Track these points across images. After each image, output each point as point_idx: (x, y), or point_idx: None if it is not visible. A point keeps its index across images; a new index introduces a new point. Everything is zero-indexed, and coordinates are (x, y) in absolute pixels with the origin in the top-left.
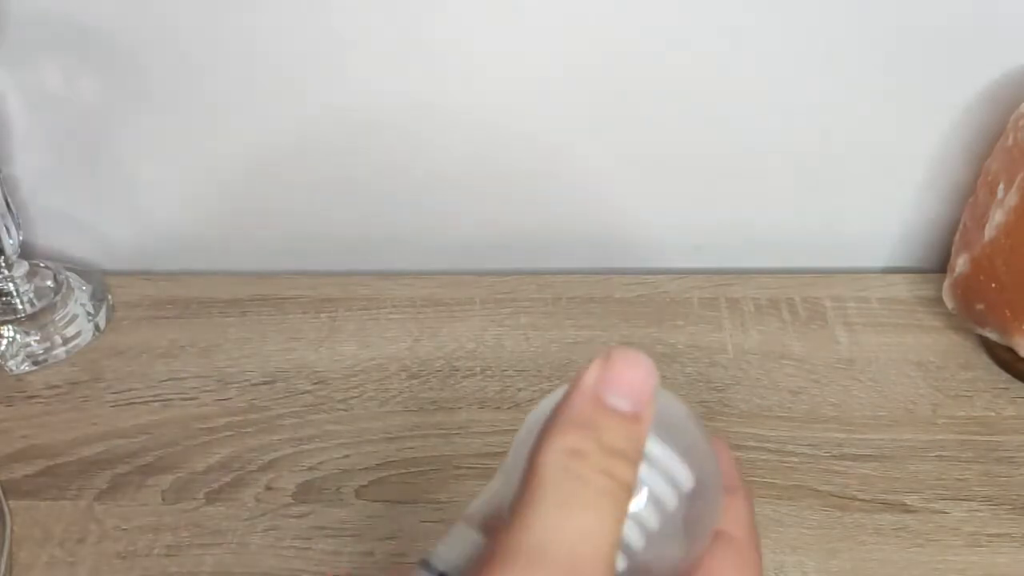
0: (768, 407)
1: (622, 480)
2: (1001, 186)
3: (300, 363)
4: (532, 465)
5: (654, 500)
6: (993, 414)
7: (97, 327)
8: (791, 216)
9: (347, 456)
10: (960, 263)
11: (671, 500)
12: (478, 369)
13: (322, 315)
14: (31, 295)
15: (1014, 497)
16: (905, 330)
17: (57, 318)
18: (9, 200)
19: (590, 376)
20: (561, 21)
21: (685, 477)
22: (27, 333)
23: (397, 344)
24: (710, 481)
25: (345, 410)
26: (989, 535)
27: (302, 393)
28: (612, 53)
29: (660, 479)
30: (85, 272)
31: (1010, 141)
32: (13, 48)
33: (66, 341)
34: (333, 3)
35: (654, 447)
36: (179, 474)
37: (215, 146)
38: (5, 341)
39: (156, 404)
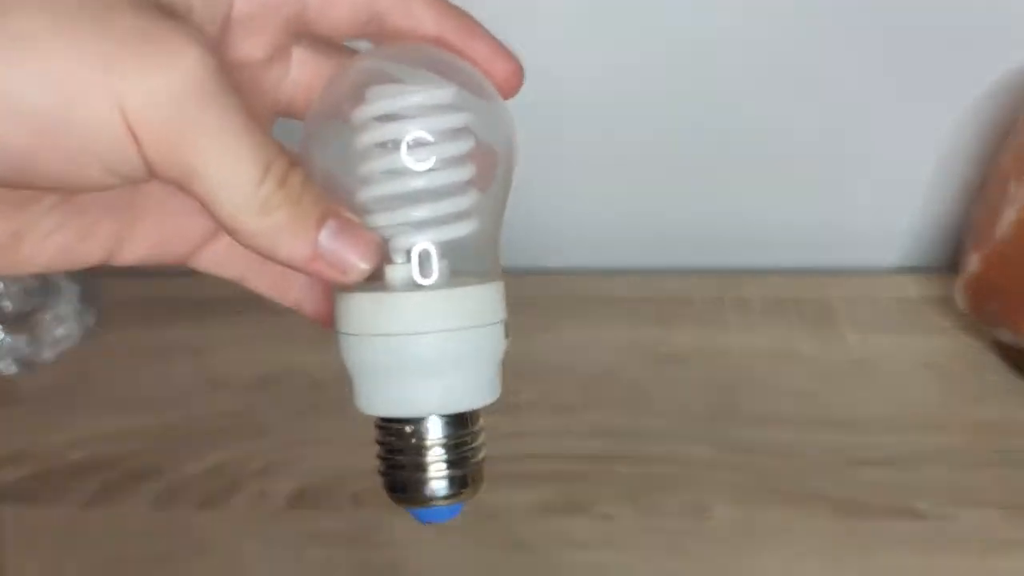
0: (775, 410)
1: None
2: (1012, 183)
3: (294, 366)
4: None
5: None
6: (1005, 417)
7: (87, 328)
8: (799, 215)
9: (342, 461)
10: (971, 262)
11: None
12: None
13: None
14: (19, 296)
15: None
16: (916, 331)
17: (46, 319)
18: None
19: None
20: (563, 20)
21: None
22: (15, 334)
23: None
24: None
25: (340, 414)
26: (1001, 540)
27: (296, 397)
28: (614, 55)
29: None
30: (74, 272)
31: (1021, 138)
32: None
33: (55, 343)
34: None
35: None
36: (170, 479)
37: None
38: None
39: (147, 408)
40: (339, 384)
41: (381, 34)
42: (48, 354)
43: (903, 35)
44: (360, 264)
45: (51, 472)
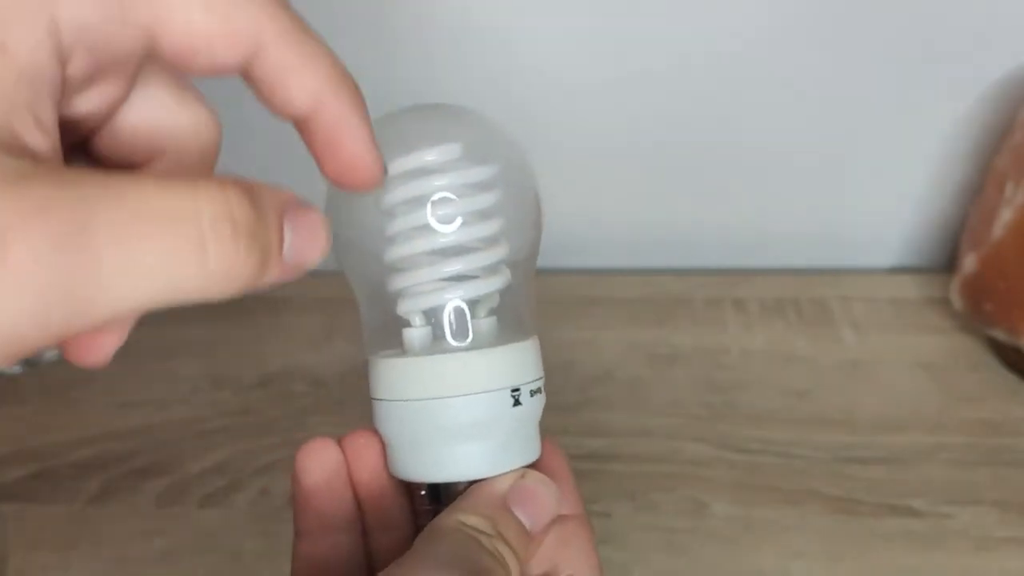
0: (773, 409)
1: (504, 564)
2: (1009, 184)
3: (296, 364)
4: (432, 527)
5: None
6: (1001, 416)
7: None
8: (797, 215)
9: None
10: (968, 262)
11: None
12: None
13: (319, 315)
14: None
15: (1022, 500)
16: (912, 331)
17: None
18: None
19: (503, 483)
20: (561, 24)
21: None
22: None
23: None
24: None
25: (341, 412)
26: (997, 539)
27: (298, 395)
28: (614, 53)
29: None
30: None
31: (1018, 139)
32: None
33: None
34: None
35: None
36: (173, 477)
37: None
38: None
39: (150, 406)
40: (339, 383)
41: (247, 81)
42: (51, 352)
43: (900, 37)
44: (317, 258)
45: (54, 470)
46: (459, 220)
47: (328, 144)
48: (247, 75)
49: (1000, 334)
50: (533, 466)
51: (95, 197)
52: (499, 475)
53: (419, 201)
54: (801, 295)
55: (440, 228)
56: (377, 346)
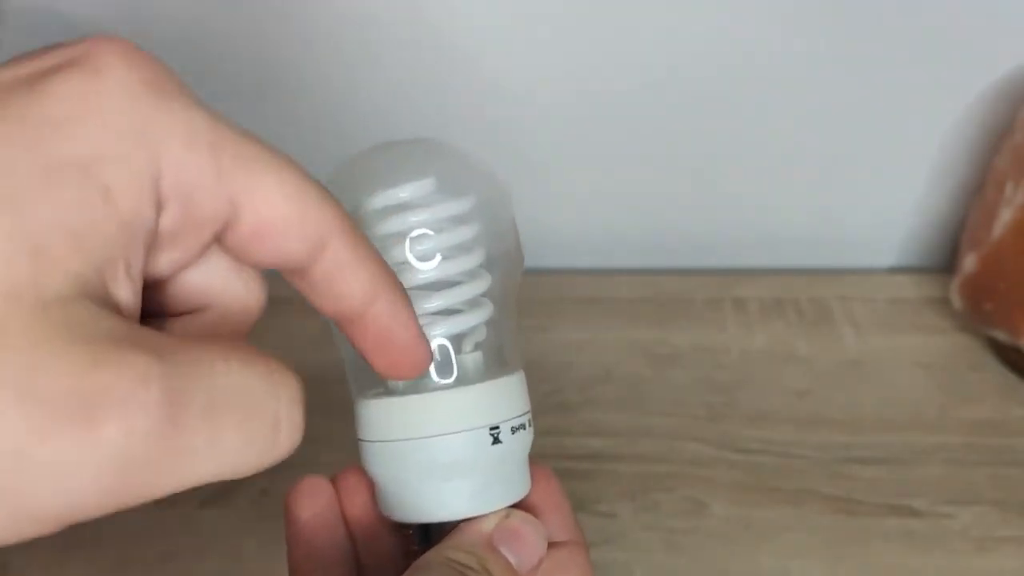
0: (773, 409)
1: None
2: (1009, 184)
3: (296, 364)
4: (419, 563)
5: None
6: (1001, 416)
7: None
8: (797, 215)
9: (343, 459)
10: (968, 262)
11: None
12: None
13: (319, 315)
14: None
15: (1022, 500)
16: (912, 331)
17: None
18: None
19: (489, 523)
20: (560, 19)
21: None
22: None
23: None
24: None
25: (341, 412)
26: (997, 539)
27: None
28: (613, 54)
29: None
30: None
31: (1018, 138)
32: (10, 50)
33: None
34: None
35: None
36: None
37: None
38: None
39: None
40: (340, 384)
41: (300, 281)
42: None
43: (900, 36)
44: None
45: None
46: (438, 255)
47: (380, 338)
48: (304, 271)
49: (1000, 334)
50: (523, 500)
51: (187, 372)
52: (485, 515)
53: (396, 238)
54: (801, 295)
55: (419, 265)
56: (363, 386)
